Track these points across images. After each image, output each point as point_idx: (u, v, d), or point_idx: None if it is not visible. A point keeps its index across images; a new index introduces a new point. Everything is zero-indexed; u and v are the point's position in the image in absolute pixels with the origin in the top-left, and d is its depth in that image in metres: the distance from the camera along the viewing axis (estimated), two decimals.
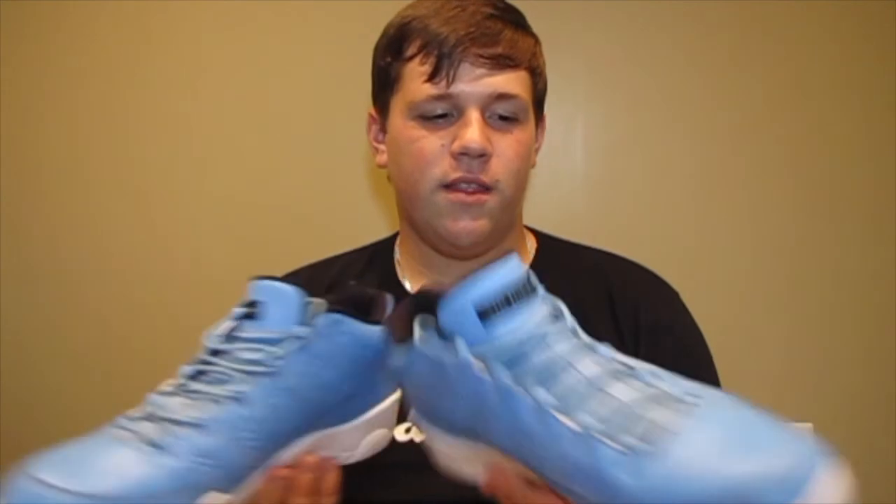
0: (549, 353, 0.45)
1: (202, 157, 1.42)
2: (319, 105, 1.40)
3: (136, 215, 1.43)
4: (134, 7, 1.42)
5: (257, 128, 1.42)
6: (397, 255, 0.86)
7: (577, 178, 1.39)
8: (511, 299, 0.46)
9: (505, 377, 0.45)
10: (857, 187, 1.36)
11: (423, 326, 0.51)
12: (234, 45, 1.42)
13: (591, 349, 0.47)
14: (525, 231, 0.87)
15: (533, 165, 0.82)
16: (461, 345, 0.46)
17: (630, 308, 0.78)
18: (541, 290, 0.49)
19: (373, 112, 0.82)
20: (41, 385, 1.45)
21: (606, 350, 0.47)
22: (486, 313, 0.46)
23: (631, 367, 0.45)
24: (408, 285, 0.83)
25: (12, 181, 1.45)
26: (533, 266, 0.82)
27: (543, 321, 0.46)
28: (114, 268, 1.44)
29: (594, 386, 0.43)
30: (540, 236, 0.88)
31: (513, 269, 0.47)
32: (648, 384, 0.44)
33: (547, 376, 0.44)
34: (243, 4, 1.40)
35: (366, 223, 1.38)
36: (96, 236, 1.44)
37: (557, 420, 0.43)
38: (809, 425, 1.39)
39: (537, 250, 0.85)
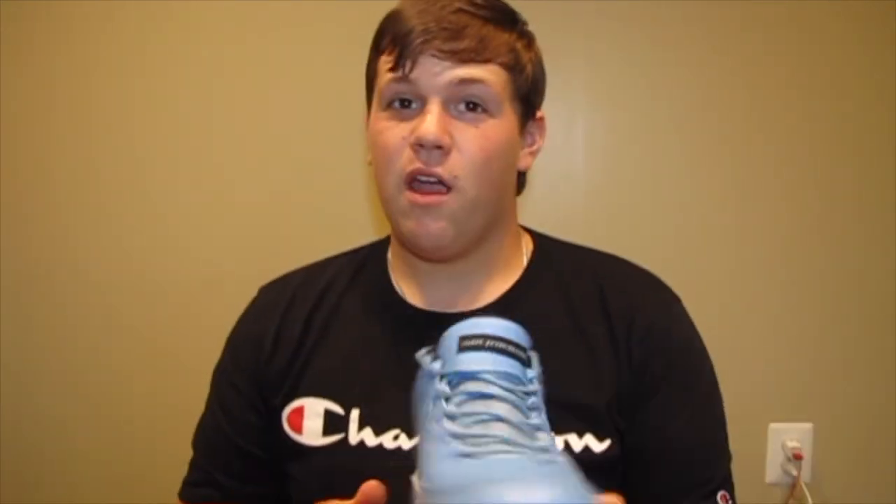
0: (477, 403, 0.51)
1: (206, 156, 1.42)
2: (328, 105, 1.40)
3: (137, 215, 1.43)
4: (137, 7, 1.41)
5: (263, 127, 1.41)
6: (390, 258, 0.84)
7: (577, 180, 1.39)
8: (487, 342, 0.54)
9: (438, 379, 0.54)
10: (857, 189, 1.36)
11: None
12: (238, 47, 1.41)
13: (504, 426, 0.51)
14: (521, 233, 0.85)
15: (527, 167, 0.80)
16: (427, 359, 0.57)
17: (625, 312, 0.77)
18: (524, 353, 0.55)
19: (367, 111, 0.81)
20: (43, 384, 1.45)
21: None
22: (464, 346, 0.54)
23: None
24: (399, 290, 0.81)
25: (15, 182, 1.45)
26: (528, 269, 0.81)
27: (489, 372, 0.53)
28: (115, 267, 1.44)
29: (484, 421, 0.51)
30: (537, 238, 0.86)
31: (505, 327, 0.55)
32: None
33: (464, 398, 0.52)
34: (247, 5, 1.40)
35: (372, 221, 1.38)
36: (96, 236, 1.44)
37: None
38: (810, 425, 1.39)
39: (533, 253, 0.83)
